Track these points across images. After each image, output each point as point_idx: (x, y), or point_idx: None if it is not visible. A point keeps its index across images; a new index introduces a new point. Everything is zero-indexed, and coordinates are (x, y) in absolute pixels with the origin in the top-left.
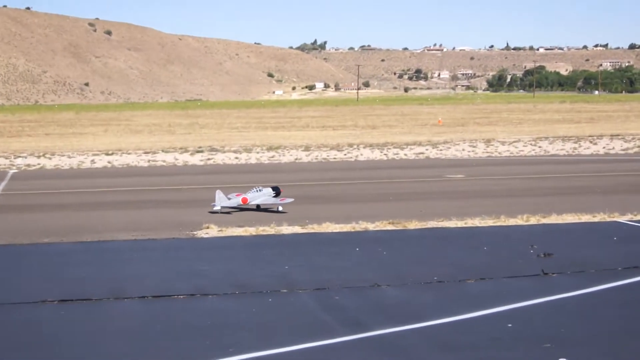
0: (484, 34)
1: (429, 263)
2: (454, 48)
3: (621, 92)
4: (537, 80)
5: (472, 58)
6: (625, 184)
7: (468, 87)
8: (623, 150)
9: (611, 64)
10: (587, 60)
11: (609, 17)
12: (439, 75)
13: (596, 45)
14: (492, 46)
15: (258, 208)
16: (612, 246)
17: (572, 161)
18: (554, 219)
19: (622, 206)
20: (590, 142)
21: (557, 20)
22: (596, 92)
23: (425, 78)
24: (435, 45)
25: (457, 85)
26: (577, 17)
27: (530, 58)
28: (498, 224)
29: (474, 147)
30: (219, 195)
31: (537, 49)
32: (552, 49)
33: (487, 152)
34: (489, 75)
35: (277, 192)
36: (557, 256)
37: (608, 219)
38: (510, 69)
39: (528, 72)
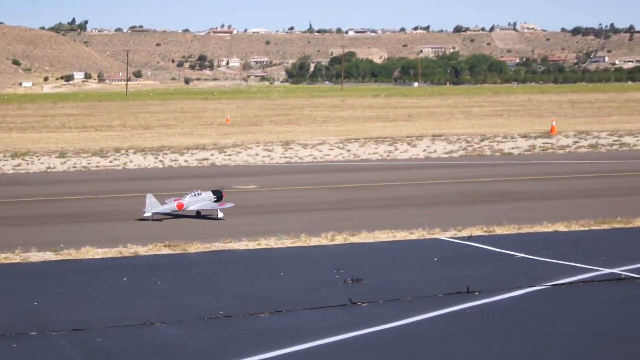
0: (282, 13)
1: (213, 294)
2: (245, 30)
3: (445, 83)
4: (346, 69)
5: (267, 42)
6: (449, 194)
7: (263, 78)
8: (446, 153)
9: (433, 50)
10: (405, 45)
11: None
12: (227, 63)
13: (416, 28)
14: (292, 28)
15: (198, 214)
16: (433, 269)
17: (387, 167)
18: (364, 237)
19: (445, 221)
20: (409, 143)
21: None
22: (416, 84)
23: (211, 67)
24: (222, 26)
25: (249, 76)
26: None
27: (337, 43)
28: (297, 244)
29: (270, 151)
30: (150, 200)
31: (346, 32)
32: (363, 32)
33: (286, 157)
34: (288, 63)
35: (218, 196)
36: (368, 282)
37: (428, 236)
38: (314, 55)
39: (335, 60)
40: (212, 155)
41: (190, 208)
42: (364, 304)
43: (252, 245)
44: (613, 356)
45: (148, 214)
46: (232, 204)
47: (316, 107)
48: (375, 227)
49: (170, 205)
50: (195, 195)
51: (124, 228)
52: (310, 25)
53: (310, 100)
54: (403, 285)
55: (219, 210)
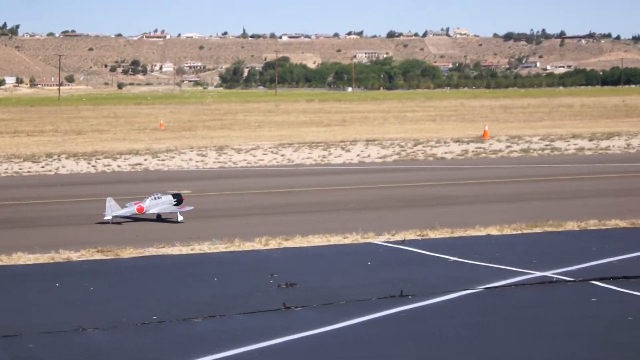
0: (215, 18)
1: (147, 299)
2: (179, 35)
3: (379, 88)
4: (280, 74)
5: (201, 47)
6: (383, 199)
7: (197, 83)
8: (380, 158)
9: (367, 55)
10: (339, 50)
11: (362, 1)
12: (161, 68)
13: (349, 33)
14: (225, 33)
15: (159, 217)
16: (366, 272)
17: (321, 172)
18: (298, 242)
19: (379, 225)
20: (342, 148)
21: (301, 2)
22: (349, 89)
23: (144, 71)
24: (156, 31)
25: (183, 81)
26: (325, 0)
27: (271, 48)
28: (231, 249)
29: (204, 156)
30: (110, 204)
31: (280, 37)
32: (297, 37)
33: (220, 162)
34: (222, 68)
35: (178, 199)
36: (302, 286)
37: (362, 241)
38: (248, 60)
39: (269, 65)
40: (145, 160)
41: (151, 211)
42: (298, 309)
43: (185, 250)
44: (543, 357)
45: (108, 217)
46: (192, 207)
47: (250, 112)
48: (309, 231)
49: (131, 209)
50: (155, 198)
51: (57, 234)
52: (244, 30)
53: (244, 105)
54: (337, 289)
55: (178, 214)
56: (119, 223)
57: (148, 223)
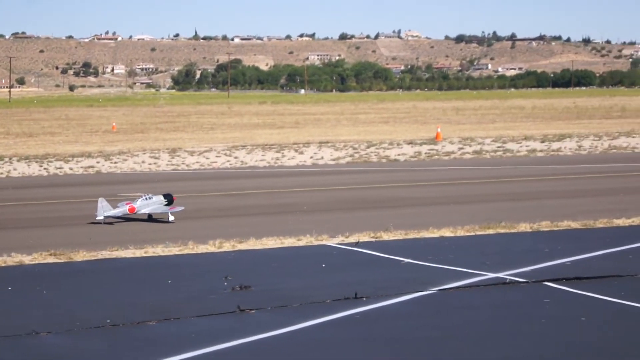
0: (167, 19)
1: (100, 303)
2: (130, 37)
3: (331, 90)
4: (232, 76)
5: (153, 49)
6: (336, 201)
7: (149, 85)
8: (333, 160)
9: (319, 57)
10: (291, 52)
11: (314, 3)
12: (112, 70)
13: (301, 35)
14: (177, 35)
15: (150, 217)
16: (321, 275)
17: (275, 174)
18: (252, 244)
19: (333, 227)
20: (296, 150)
21: (253, 4)
22: (302, 91)
23: (96, 73)
24: (107, 33)
25: (135, 83)
26: (277, 2)
27: (223, 50)
28: (185, 251)
29: (157, 158)
30: (102, 204)
31: (232, 39)
32: (249, 39)
33: (173, 165)
34: (174, 70)
35: (169, 200)
36: (256, 289)
37: (316, 243)
38: (200, 62)
39: (221, 67)
40: (97, 162)
41: (142, 211)
42: (253, 311)
43: (139, 253)
44: (497, 358)
45: (100, 217)
46: (183, 208)
47: (203, 114)
48: (264, 233)
49: (122, 209)
50: (146, 199)
51: (9, 237)
52: (196, 32)
53: (197, 107)
54: (291, 291)
55: (169, 214)
56: (111, 223)
57: (97, 226)
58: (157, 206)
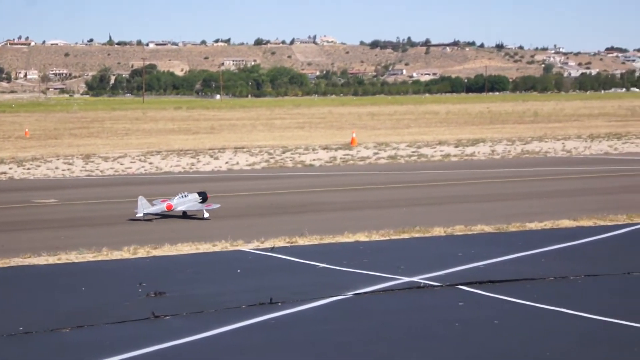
0: (80, 25)
1: (13, 311)
2: (44, 42)
3: (247, 96)
4: (147, 82)
5: (67, 54)
6: (252, 206)
7: (63, 91)
8: (249, 165)
9: (235, 62)
10: (207, 58)
11: (229, 9)
12: (25, 75)
13: (217, 41)
14: (91, 40)
15: (184, 215)
16: (236, 280)
17: (190, 180)
18: (167, 250)
19: (248, 233)
20: (211, 156)
21: (168, 10)
22: (218, 97)
23: (8, 79)
24: (20, 38)
25: (49, 88)
26: (192, 8)
27: (138, 55)
28: (99, 258)
29: (71, 164)
30: (142, 202)
31: (147, 45)
32: (164, 45)
33: (87, 171)
34: (88, 75)
35: (203, 197)
36: (171, 295)
37: (231, 248)
38: (115, 68)
39: (136, 72)
40: (10, 169)
41: (178, 209)
42: (167, 317)
43: (52, 260)
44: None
45: (140, 214)
46: (218, 205)
47: (117, 120)
48: (178, 239)
49: (160, 207)
50: (182, 197)
51: None
52: (110, 37)
53: (111, 113)
54: (206, 297)
55: (204, 211)
56: (150, 220)
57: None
58: (193, 203)
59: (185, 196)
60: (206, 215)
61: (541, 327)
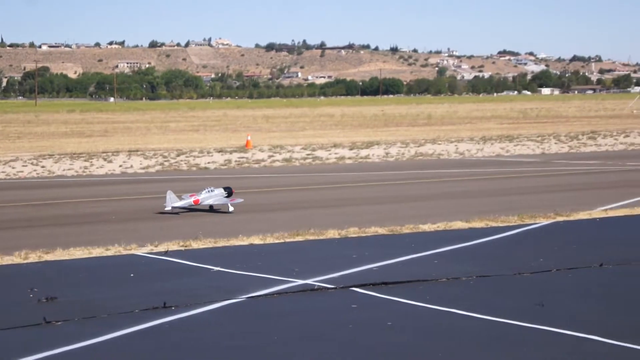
0: None
1: None
2: None
3: (141, 98)
4: (40, 84)
5: None
6: (145, 210)
7: None
8: (143, 168)
9: (129, 65)
10: (101, 60)
11: (123, 10)
12: None
13: (111, 43)
14: None
15: (211, 208)
16: (129, 285)
17: (83, 183)
18: (59, 255)
19: (141, 236)
20: (105, 159)
21: (61, 11)
22: (112, 99)
23: None
24: None
25: None
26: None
27: (31, 57)
28: None
29: None
30: (170, 196)
31: (40, 47)
32: (57, 47)
33: None
34: None
35: (229, 192)
36: (62, 300)
37: (124, 252)
38: (7, 70)
39: (28, 75)
40: None
41: (205, 203)
42: (59, 323)
43: None
44: None
45: (168, 207)
46: (242, 200)
47: (9, 122)
48: (71, 244)
49: (188, 201)
50: (209, 191)
51: None
52: (2, 38)
53: (2, 115)
54: (99, 302)
55: (229, 205)
56: (177, 213)
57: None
58: (219, 198)
59: (212, 191)
60: (231, 209)
61: (433, 328)
